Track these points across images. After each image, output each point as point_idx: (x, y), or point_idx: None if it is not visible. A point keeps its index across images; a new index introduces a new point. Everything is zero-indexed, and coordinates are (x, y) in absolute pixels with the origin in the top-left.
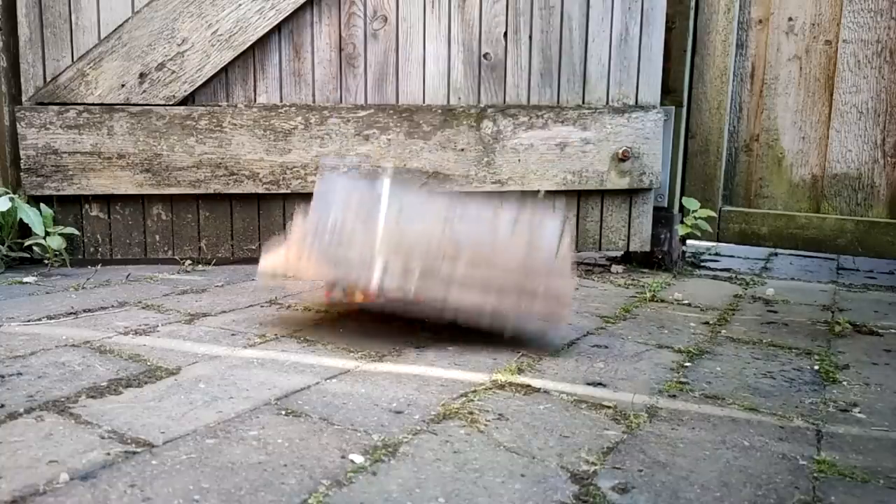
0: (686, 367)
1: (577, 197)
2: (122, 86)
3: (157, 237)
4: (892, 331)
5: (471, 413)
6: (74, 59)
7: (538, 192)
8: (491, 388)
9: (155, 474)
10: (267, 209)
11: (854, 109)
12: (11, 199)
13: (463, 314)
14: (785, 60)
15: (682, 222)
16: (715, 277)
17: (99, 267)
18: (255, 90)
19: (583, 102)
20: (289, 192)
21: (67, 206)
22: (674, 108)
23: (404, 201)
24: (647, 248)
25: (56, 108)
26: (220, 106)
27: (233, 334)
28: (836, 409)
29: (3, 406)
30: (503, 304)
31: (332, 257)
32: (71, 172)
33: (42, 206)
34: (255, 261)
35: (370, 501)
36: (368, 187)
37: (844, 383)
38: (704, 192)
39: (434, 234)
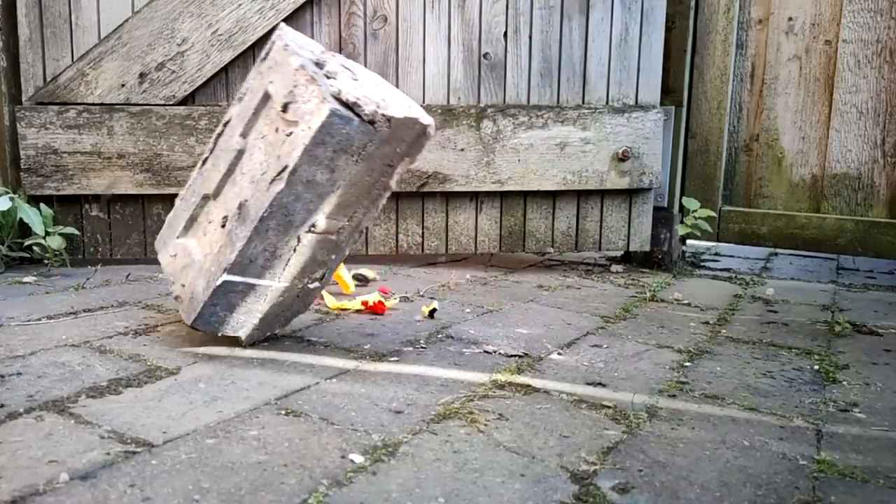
0: (686, 366)
1: (577, 197)
2: (122, 86)
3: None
4: (892, 331)
5: (471, 413)
6: (74, 58)
7: (538, 191)
8: (491, 388)
9: (155, 474)
10: None
11: (854, 109)
12: (11, 199)
13: None
14: (785, 60)
15: (682, 222)
16: (715, 277)
17: (99, 267)
18: None
19: (583, 102)
20: None
21: (67, 206)
22: (674, 107)
23: None
24: (647, 248)
25: (56, 107)
26: (220, 106)
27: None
28: (836, 409)
29: (3, 406)
30: None
31: None
32: (71, 172)
33: (42, 205)
34: None
35: (370, 501)
36: None
37: (844, 383)
38: (704, 192)
39: None
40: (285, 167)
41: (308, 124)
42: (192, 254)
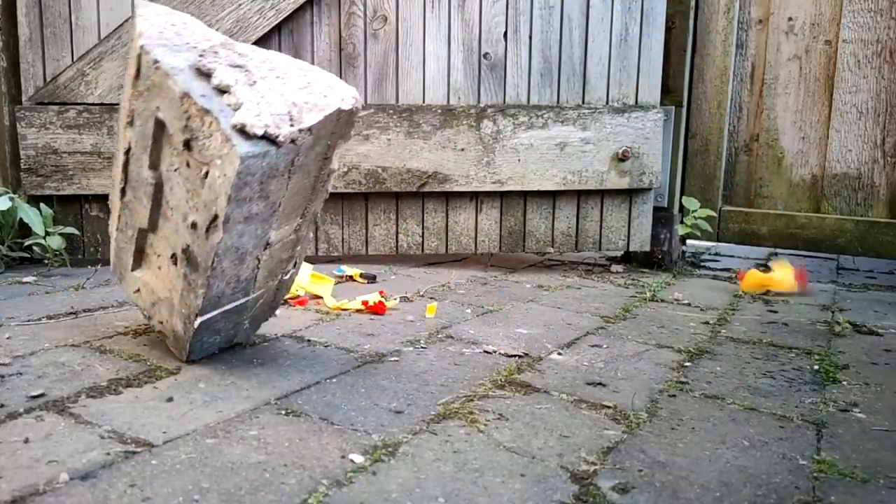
0: (686, 366)
1: (577, 197)
2: (123, 86)
3: None
4: (892, 331)
5: (471, 413)
6: (74, 58)
7: (538, 191)
8: (491, 388)
9: (155, 474)
10: None
11: (854, 109)
12: (11, 199)
13: None
14: (785, 60)
15: (682, 222)
16: (715, 277)
17: (99, 267)
18: None
19: (583, 102)
20: None
21: (67, 206)
22: (674, 107)
23: None
24: (647, 248)
25: (56, 107)
26: None
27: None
28: (836, 409)
29: (3, 406)
30: None
31: None
32: (71, 172)
33: (42, 205)
34: None
35: (370, 501)
36: None
37: (844, 383)
38: (704, 192)
39: None
40: (216, 216)
41: (222, 171)
42: (154, 290)
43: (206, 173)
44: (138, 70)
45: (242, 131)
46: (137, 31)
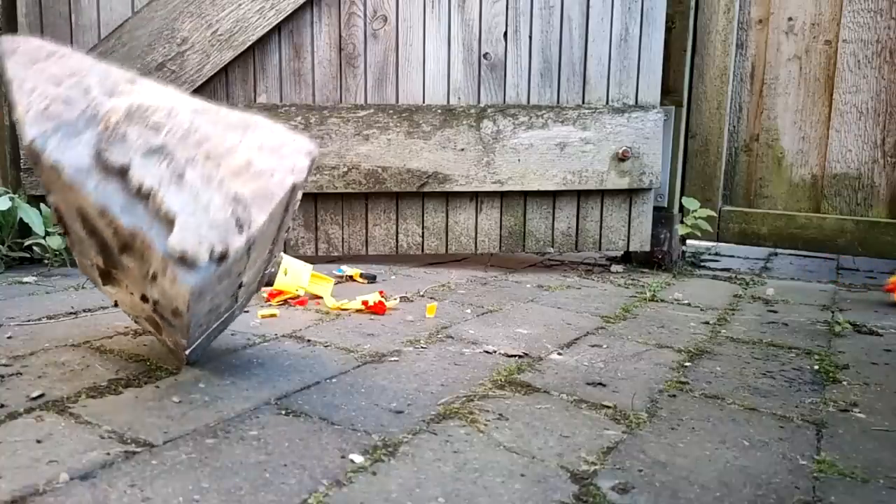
0: (686, 366)
1: (577, 197)
2: None
3: None
4: (892, 331)
5: (471, 413)
6: None
7: (538, 191)
8: (491, 388)
9: (155, 474)
10: None
11: (854, 109)
12: (11, 199)
13: None
14: (785, 60)
15: (682, 222)
16: (715, 277)
17: None
18: (255, 90)
19: (583, 102)
20: None
21: None
22: (674, 107)
23: None
24: (647, 248)
25: None
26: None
27: (232, 334)
28: (836, 409)
29: (3, 406)
30: None
31: None
32: None
33: (42, 205)
34: None
35: (370, 501)
36: None
37: (844, 383)
38: (704, 192)
39: None
40: (179, 310)
41: (173, 289)
42: (133, 308)
43: (154, 275)
44: (36, 160)
45: (183, 259)
46: (18, 110)
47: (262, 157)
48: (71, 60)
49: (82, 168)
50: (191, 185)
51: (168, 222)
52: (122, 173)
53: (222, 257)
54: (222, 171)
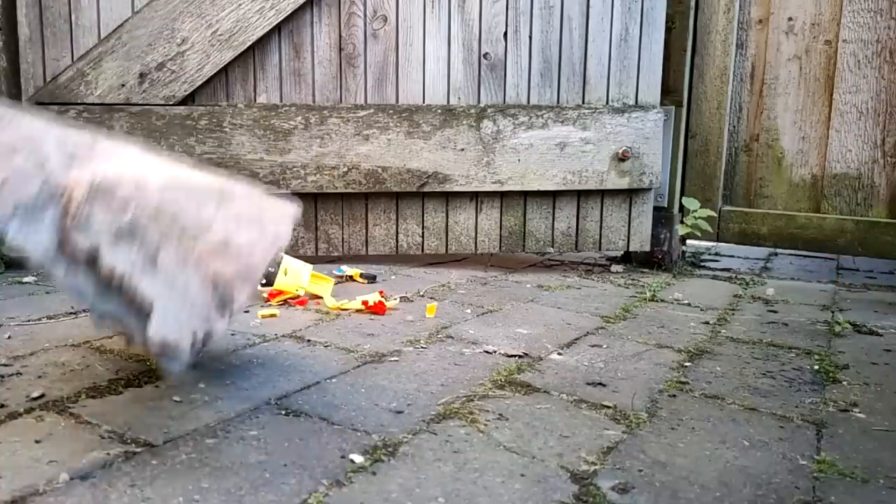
0: (686, 366)
1: (577, 197)
2: (122, 86)
3: None
4: (892, 331)
5: (471, 413)
6: (74, 58)
7: (538, 191)
8: (491, 388)
9: (155, 474)
10: None
11: (854, 109)
12: None
13: None
14: (785, 60)
15: (682, 222)
16: (715, 277)
17: None
18: (255, 90)
19: (583, 102)
20: (288, 191)
21: None
22: (674, 107)
23: None
24: (647, 248)
25: (56, 108)
26: (219, 106)
27: (232, 334)
28: (836, 409)
29: (3, 406)
30: None
31: None
32: None
33: None
34: None
35: (370, 501)
36: None
37: (844, 383)
38: (704, 192)
39: None
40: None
41: (161, 367)
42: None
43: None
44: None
45: (166, 349)
46: None
47: (241, 231)
48: (22, 125)
49: (48, 255)
50: (166, 268)
51: (147, 312)
52: (90, 260)
53: (205, 341)
54: (199, 249)
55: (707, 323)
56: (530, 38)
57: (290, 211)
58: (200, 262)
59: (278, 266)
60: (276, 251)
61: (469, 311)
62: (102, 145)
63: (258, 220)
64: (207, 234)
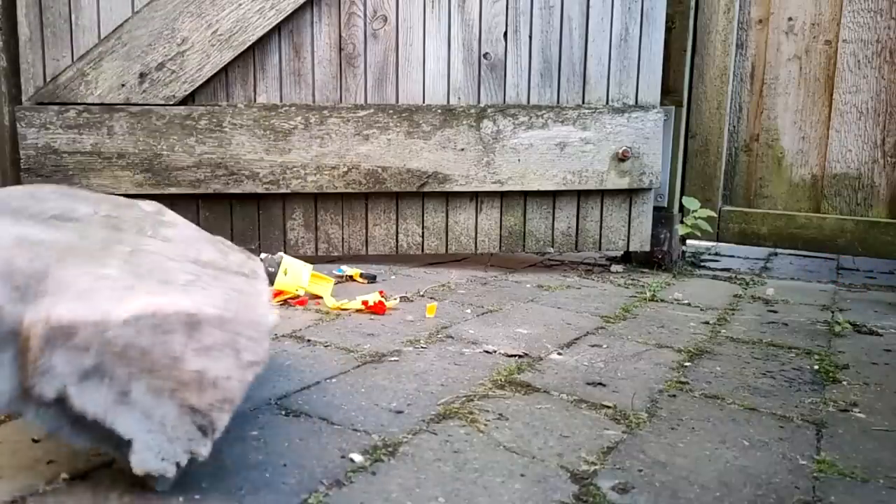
0: (686, 366)
1: (577, 197)
2: (122, 86)
3: None
4: (892, 331)
5: (471, 413)
6: (74, 58)
7: (538, 191)
8: (491, 388)
9: None
10: (266, 209)
11: (854, 109)
12: None
13: None
14: (785, 60)
15: (682, 222)
16: (715, 277)
17: None
18: (255, 90)
19: (583, 102)
20: (288, 191)
21: None
22: (674, 107)
23: None
24: (647, 248)
25: (56, 107)
26: (220, 106)
27: None
28: (836, 409)
29: None
30: None
31: None
32: (71, 172)
33: None
34: None
35: (370, 501)
36: None
37: (844, 383)
38: (704, 192)
39: None
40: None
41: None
42: None
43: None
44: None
45: (151, 479)
46: None
47: (214, 359)
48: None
49: (14, 399)
50: (140, 402)
51: (124, 444)
52: (59, 402)
53: (191, 462)
54: (172, 382)
55: (707, 323)
56: (530, 37)
57: (266, 320)
58: (175, 393)
59: (278, 266)
60: (252, 376)
61: (469, 310)
62: (55, 275)
63: (233, 342)
64: (179, 367)
